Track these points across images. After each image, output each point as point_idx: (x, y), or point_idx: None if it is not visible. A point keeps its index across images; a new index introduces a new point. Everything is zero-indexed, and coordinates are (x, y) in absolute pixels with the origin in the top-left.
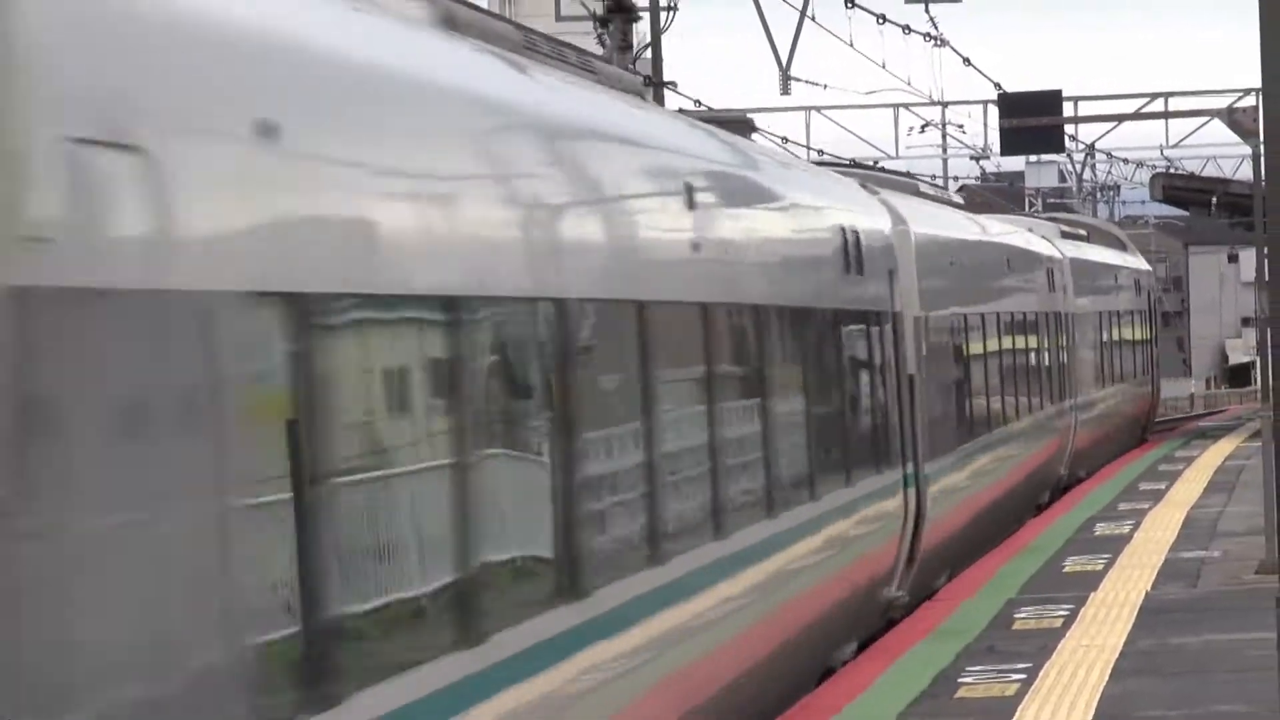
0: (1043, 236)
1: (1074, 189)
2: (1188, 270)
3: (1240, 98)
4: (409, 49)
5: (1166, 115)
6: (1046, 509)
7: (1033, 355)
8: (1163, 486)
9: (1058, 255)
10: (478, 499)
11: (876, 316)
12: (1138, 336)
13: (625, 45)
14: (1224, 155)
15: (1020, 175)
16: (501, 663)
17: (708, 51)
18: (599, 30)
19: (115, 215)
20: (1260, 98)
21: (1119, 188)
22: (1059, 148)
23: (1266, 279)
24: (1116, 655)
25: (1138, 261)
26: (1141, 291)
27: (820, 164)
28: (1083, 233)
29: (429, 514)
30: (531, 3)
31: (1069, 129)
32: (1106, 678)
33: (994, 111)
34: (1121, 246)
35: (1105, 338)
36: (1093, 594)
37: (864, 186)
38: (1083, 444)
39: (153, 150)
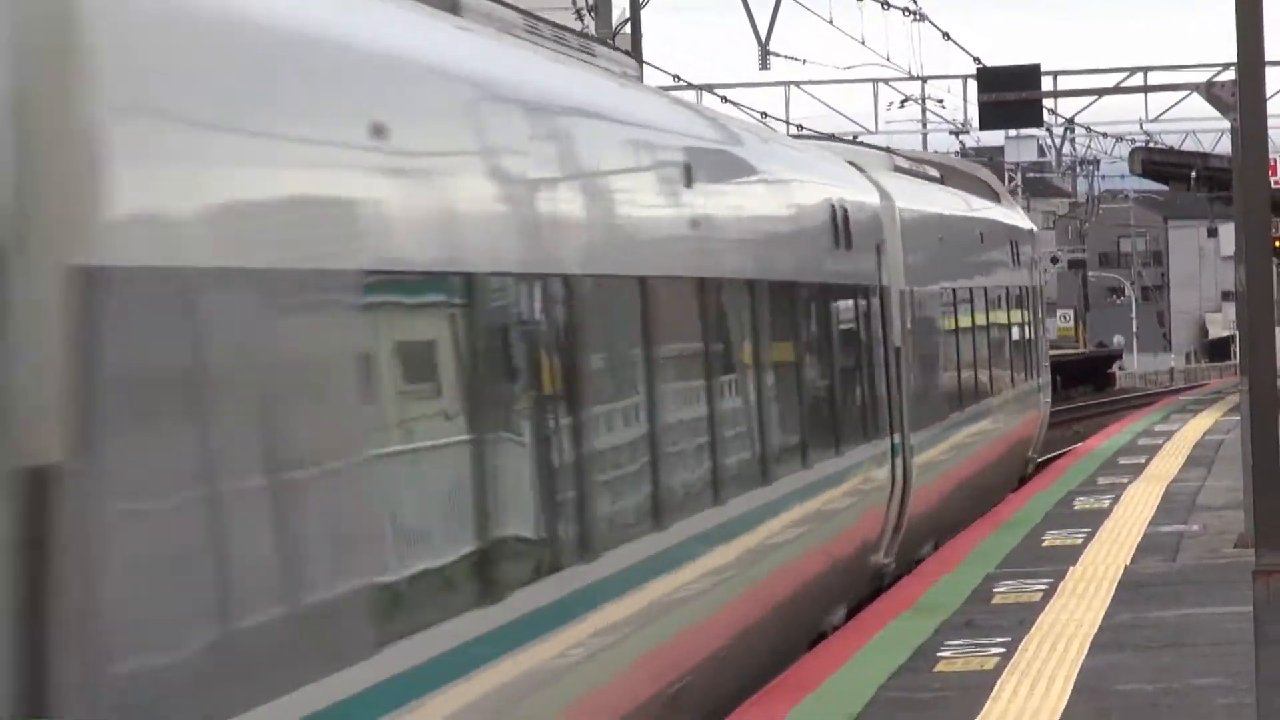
0: (849, 163)
1: (1054, 163)
2: (1167, 244)
3: (1219, 72)
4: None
5: (1146, 89)
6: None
7: (777, 366)
8: (1142, 461)
9: (867, 197)
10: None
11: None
12: (1016, 324)
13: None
14: (1203, 130)
15: (1000, 150)
16: None
17: (687, 27)
18: (577, 5)
19: None
20: (1238, 72)
21: (1099, 162)
22: (1038, 122)
23: (1244, 253)
24: (1095, 629)
25: (1016, 217)
26: (1022, 261)
27: None
28: (934, 172)
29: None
30: None
31: (1048, 103)
32: (1085, 651)
33: (974, 86)
34: (994, 197)
35: (963, 327)
36: (1072, 568)
37: None
38: (924, 508)
39: None
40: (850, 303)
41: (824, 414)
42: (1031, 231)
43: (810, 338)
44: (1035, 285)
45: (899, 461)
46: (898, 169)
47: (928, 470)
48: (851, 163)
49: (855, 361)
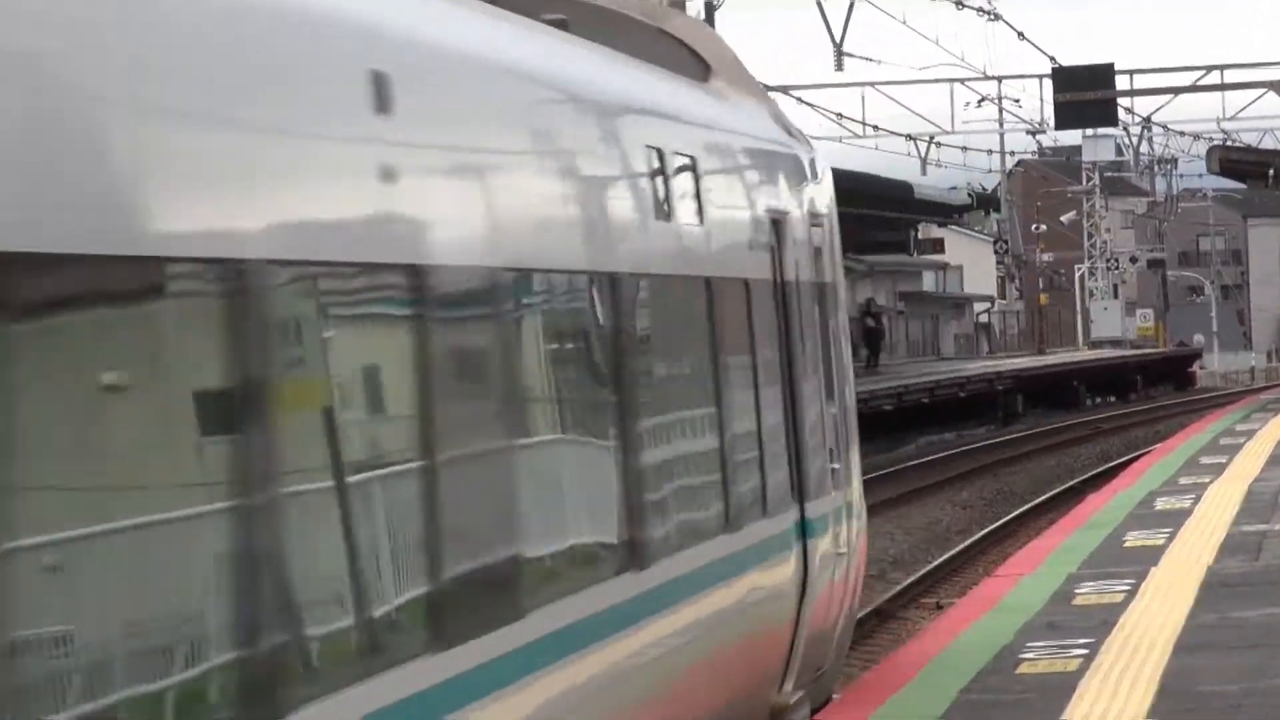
0: None
1: (1131, 162)
2: (1247, 242)
3: None
4: None
5: (1223, 88)
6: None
7: None
8: (1224, 460)
9: None
10: None
11: None
12: (703, 374)
13: None
14: None
15: (1078, 149)
16: None
17: (761, 28)
18: None
19: None
20: None
21: (1176, 161)
22: (1112, 121)
23: None
24: (1178, 630)
25: (740, 121)
26: (763, 212)
27: None
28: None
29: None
30: None
31: (1124, 102)
32: (1169, 653)
33: (1050, 85)
34: (697, 73)
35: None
36: (1154, 569)
37: None
38: None
39: None
40: None
41: None
42: (809, 173)
43: None
44: (807, 280)
45: None
46: None
47: None
48: None
49: None
